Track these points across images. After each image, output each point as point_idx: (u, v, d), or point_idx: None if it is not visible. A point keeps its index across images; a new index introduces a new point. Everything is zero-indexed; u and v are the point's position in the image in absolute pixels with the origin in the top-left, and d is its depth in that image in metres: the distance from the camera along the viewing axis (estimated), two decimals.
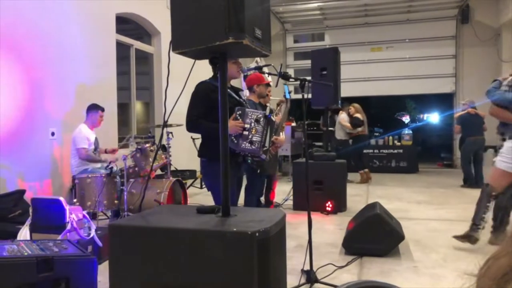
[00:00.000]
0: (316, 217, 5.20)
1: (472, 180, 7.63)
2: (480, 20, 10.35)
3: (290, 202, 5.97)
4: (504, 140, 3.76)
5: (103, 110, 5.17)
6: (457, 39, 10.70)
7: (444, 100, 12.26)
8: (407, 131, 10.73)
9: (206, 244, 1.69)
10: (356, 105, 8.59)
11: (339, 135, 8.68)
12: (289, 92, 3.87)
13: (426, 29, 10.75)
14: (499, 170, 3.70)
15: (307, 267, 3.02)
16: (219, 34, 1.87)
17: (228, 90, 2.79)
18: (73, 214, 3.46)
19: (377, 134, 11.84)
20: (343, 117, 8.54)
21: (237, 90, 3.37)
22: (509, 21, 9.37)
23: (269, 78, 4.51)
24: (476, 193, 6.56)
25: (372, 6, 10.55)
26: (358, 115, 8.39)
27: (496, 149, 4.12)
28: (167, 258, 1.75)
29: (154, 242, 1.79)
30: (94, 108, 5.11)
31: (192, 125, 3.01)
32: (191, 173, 7.39)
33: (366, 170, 8.52)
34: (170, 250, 1.75)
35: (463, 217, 5.22)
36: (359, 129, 8.47)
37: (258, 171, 3.79)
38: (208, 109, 2.90)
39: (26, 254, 2.44)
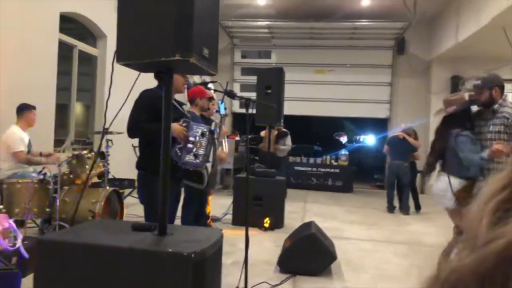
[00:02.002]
0: (253, 233, 5.25)
1: (391, 205, 7.60)
2: (413, 53, 11.10)
3: (229, 217, 5.98)
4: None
5: (35, 108, 4.89)
6: (393, 68, 11.39)
7: (380, 124, 12.93)
8: (344, 151, 11.18)
9: (140, 264, 1.66)
10: None
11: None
12: (225, 108, 3.92)
13: (366, 57, 11.35)
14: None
15: (242, 285, 3.04)
16: (166, 50, 1.86)
17: (173, 101, 2.78)
18: None
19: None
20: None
21: (181, 104, 3.36)
22: (439, 56, 10.15)
23: (215, 95, 4.53)
24: (401, 217, 6.98)
25: (318, 30, 10.98)
26: (262, 132, 7.95)
27: None
28: (98, 277, 1.70)
29: (85, 259, 1.73)
30: (27, 108, 4.81)
31: (134, 130, 2.92)
32: (130, 182, 7.18)
33: None
34: (103, 269, 1.70)
35: (391, 238, 5.54)
36: (261, 144, 8.01)
37: (204, 188, 3.76)
38: (152, 117, 2.85)
39: None
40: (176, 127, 2.80)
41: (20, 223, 4.15)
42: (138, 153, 3.23)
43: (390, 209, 7.61)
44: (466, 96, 3.71)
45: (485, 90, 3.34)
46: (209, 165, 3.09)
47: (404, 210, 7.48)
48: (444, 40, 9.61)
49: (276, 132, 7.84)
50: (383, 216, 7.22)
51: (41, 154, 4.99)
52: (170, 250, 1.68)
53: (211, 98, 4.53)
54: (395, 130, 8.32)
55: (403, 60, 11.20)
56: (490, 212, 0.40)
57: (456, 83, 10.32)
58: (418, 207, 7.69)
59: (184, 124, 2.92)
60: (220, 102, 3.91)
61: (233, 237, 4.90)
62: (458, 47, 8.95)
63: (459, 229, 3.41)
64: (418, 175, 7.66)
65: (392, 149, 7.68)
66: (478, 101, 3.43)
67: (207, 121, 4.31)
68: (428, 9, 9.06)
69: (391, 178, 7.72)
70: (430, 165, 3.60)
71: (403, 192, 7.57)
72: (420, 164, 8.44)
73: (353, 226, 6.28)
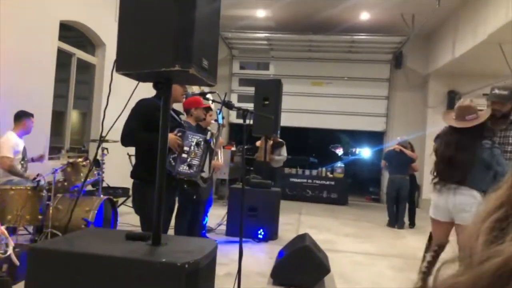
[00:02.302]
0: (247, 244, 5.23)
1: (393, 220, 7.50)
2: (411, 67, 11.21)
3: (223, 227, 5.95)
4: None
5: (33, 116, 4.88)
6: (390, 82, 11.48)
7: (376, 138, 12.98)
8: (339, 164, 11.20)
9: (133, 273, 1.65)
10: None
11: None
12: (223, 118, 3.92)
13: (364, 70, 11.44)
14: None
15: None
16: (166, 60, 1.86)
17: (171, 111, 2.78)
18: None
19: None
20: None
21: (178, 113, 3.36)
22: (436, 71, 10.25)
23: (213, 105, 4.54)
24: (396, 231, 6.95)
25: (317, 43, 11.07)
26: (257, 143, 7.84)
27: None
28: (91, 287, 1.68)
29: (78, 268, 1.71)
30: (25, 115, 4.80)
31: (129, 138, 2.90)
32: (124, 191, 7.14)
33: None
34: (95, 278, 1.69)
35: (385, 252, 5.52)
36: (257, 154, 7.92)
37: (195, 197, 3.76)
38: (147, 127, 2.85)
39: None
40: (170, 136, 2.80)
41: (12, 230, 4.12)
42: (133, 162, 3.22)
43: (392, 223, 7.50)
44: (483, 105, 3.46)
45: (510, 102, 3.21)
46: (204, 174, 3.08)
47: (400, 225, 7.43)
48: (441, 55, 9.71)
49: (271, 142, 7.84)
50: (378, 229, 7.21)
51: (32, 160, 4.97)
52: (164, 260, 1.67)
53: (208, 108, 4.53)
54: (391, 144, 8.25)
55: (401, 74, 11.30)
56: (487, 230, 0.40)
57: (452, 98, 10.40)
58: (413, 223, 7.56)
59: (179, 134, 2.92)
60: (218, 111, 3.91)
61: (226, 247, 4.88)
62: (454, 63, 9.04)
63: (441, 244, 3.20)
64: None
65: (389, 163, 7.60)
66: (498, 112, 3.23)
67: (203, 131, 4.31)
68: (426, 24, 9.16)
69: (392, 193, 7.51)
70: (443, 173, 3.24)
71: (400, 207, 7.50)
72: (419, 176, 8.52)
73: (347, 238, 6.27)
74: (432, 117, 10.48)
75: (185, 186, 3.08)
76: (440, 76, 10.32)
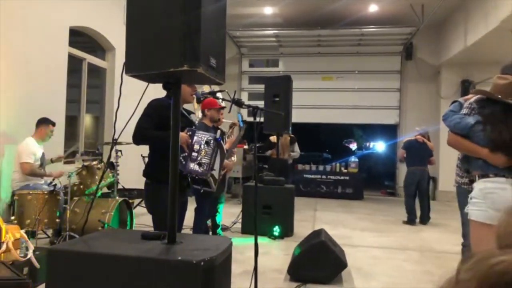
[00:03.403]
0: (263, 241, 5.24)
1: (413, 216, 7.06)
2: (422, 58, 11.09)
3: (238, 225, 5.97)
4: (471, 181, 2.84)
5: (54, 124, 4.96)
6: (402, 74, 11.36)
7: (389, 131, 12.88)
8: (353, 158, 11.12)
9: (149, 272, 1.67)
10: None
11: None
12: (243, 121, 3.92)
13: (374, 63, 11.35)
14: (477, 223, 2.64)
15: None
16: (174, 61, 1.87)
17: (181, 110, 2.79)
18: (10, 233, 3.27)
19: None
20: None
21: (189, 112, 3.38)
22: (448, 61, 10.11)
23: (223, 103, 4.56)
24: (419, 228, 6.82)
25: (325, 37, 11.01)
26: (271, 138, 7.82)
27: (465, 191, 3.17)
28: (108, 286, 1.70)
29: (95, 269, 1.74)
30: (44, 122, 4.90)
31: (140, 136, 2.92)
32: (139, 192, 7.21)
33: None
34: (112, 277, 1.71)
35: (402, 245, 5.48)
36: (269, 152, 7.90)
37: (202, 191, 3.76)
38: (158, 126, 2.87)
39: None
40: (180, 135, 2.82)
41: (32, 234, 4.20)
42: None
43: (411, 220, 7.02)
44: None
45: None
46: (215, 172, 3.09)
47: (425, 221, 7.04)
48: (453, 44, 9.57)
49: (288, 138, 7.84)
50: (394, 223, 7.14)
51: (52, 161, 5.04)
52: (180, 258, 1.69)
53: (220, 109, 4.55)
54: (410, 135, 7.73)
55: (412, 66, 11.18)
56: None
57: (466, 87, 10.25)
58: (427, 218, 7.18)
59: (188, 133, 2.94)
60: (238, 114, 3.91)
61: (242, 245, 4.90)
62: (467, 51, 8.91)
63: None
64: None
65: (410, 154, 7.12)
66: None
67: (216, 131, 4.33)
68: (436, 14, 9.03)
69: (412, 186, 7.06)
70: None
71: (423, 201, 7.10)
72: (434, 168, 8.37)
73: (363, 233, 6.23)
74: (446, 108, 10.31)
75: (201, 184, 3.08)
76: (453, 65, 10.18)
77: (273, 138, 7.74)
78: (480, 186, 2.62)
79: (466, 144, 2.69)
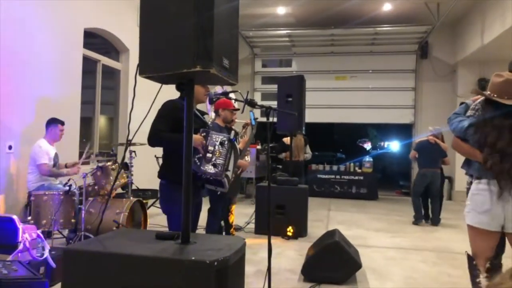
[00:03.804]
0: (276, 242, 5.23)
1: (418, 216, 7.04)
2: (438, 57, 10.93)
3: (252, 226, 5.97)
4: (471, 183, 2.77)
5: (63, 124, 5.02)
6: (417, 73, 11.22)
7: (404, 130, 12.74)
8: (367, 158, 11.03)
9: (163, 272, 1.67)
10: None
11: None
12: (255, 119, 3.91)
13: (388, 62, 11.23)
14: (468, 225, 2.71)
15: None
16: (187, 61, 1.87)
17: (194, 111, 2.79)
18: (27, 233, 3.33)
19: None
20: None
21: (202, 113, 3.39)
22: (464, 59, 9.96)
23: (236, 104, 4.55)
24: (435, 228, 6.71)
25: (339, 37, 10.93)
26: (286, 139, 7.67)
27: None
28: (123, 286, 1.72)
29: (110, 268, 1.75)
30: (53, 122, 4.96)
31: (155, 138, 2.93)
32: (153, 193, 7.27)
33: None
34: (127, 277, 1.72)
35: (418, 246, 5.41)
36: (283, 154, 7.82)
37: (219, 193, 3.77)
38: (173, 127, 2.88)
39: None
40: (195, 137, 2.83)
41: (47, 234, 4.26)
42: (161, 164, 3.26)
43: (417, 219, 7.02)
44: None
45: None
46: (229, 173, 3.10)
47: (436, 222, 6.92)
48: (469, 42, 9.43)
49: (303, 140, 7.79)
50: (409, 224, 7.05)
51: (66, 166, 5.10)
52: (193, 258, 1.69)
53: (234, 110, 4.55)
54: (423, 135, 7.60)
55: (427, 64, 11.04)
56: None
57: (483, 86, 10.09)
58: (438, 220, 7.01)
59: (203, 134, 2.95)
60: (250, 113, 3.89)
61: (255, 245, 4.89)
62: (484, 50, 8.76)
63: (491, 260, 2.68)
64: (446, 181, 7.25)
65: (422, 155, 7.01)
66: None
67: (229, 132, 4.33)
68: (452, 12, 8.90)
69: (421, 188, 6.99)
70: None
71: (434, 202, 6.98)
72: (450, 168, 8.20)
73: (378, 233, 6.17)
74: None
75: (215, 184, 3.09)
76: (469, 64, 10.03)
77: (286, 140, 7.68)
78: (472, 188, 2.68)
79: (465, 147, 2.71)
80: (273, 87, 7.84)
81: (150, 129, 2.96)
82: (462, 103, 2.95)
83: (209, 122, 3.81)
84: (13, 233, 3.25)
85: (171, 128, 2.90)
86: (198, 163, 2.90)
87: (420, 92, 11.18)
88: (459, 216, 7.80)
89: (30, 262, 3.08)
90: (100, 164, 4.75)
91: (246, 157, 5.03)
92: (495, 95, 2.58)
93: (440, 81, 10.83)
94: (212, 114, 4.78)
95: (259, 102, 3.27)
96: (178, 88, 2.60)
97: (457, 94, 10.34)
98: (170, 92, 2.74)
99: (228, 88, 4.02)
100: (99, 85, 7.29)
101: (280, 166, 8.78)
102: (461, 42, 10.07)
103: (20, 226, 3.31)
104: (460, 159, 2.87)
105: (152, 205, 7.25)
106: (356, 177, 10.62)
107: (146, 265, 1.71)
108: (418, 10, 9.27)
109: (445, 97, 10.74)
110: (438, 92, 10.88)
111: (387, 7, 9.50)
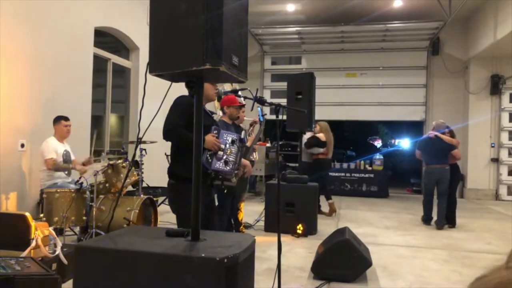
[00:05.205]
0: (286, 239, 5.23)
1: (427, 216, 6.65)
2: (449, 53, 10.82)
3: (262, 223, 5.97)
4: None
5: (66, 119, 5.02)
6: (428, 70, 11.11)
7: (415, 127, 12.64)
8: (378, 156, 10.95)
9: (173, 268, 1.68)
10: (323, 123, 7.45)
11: (304, 157, 7.36)
12: (263, 115, 3.91)
13: (399, 59, 11.14)
14: None
15: None
16: (197, 59, 1.87)
17: (204, 109, 2.78)
18: (39, 230, 3.37)
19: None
20: (305, 137, 7.26)
21: (211, 113, 3.39)
22: (477, 56, 9.84)
23: (244, 101, 4.54)
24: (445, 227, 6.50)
25: (349, 33, 10.87)
26: (320, 135, 7.24)
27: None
28: (134, 282, 1.73)
29: (121, 265, 1.77)
30: (57, 120, 5.01)
31: (172, 133, 2.88)
32: (163, 190, 7.30)
33: (331, 201, 7.23)
34: (137, 274, 1.73)
35: (429, 244, 5.37)
36: (320, 150, 7.29)
37: (225, 191, 3.77)
38: (187, 122, 2.83)
39: None
40: (208, 139, 2.81)
41: (59, 231, 4.31)
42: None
43: (427, 220, 6.64)
44: None
45: None
46: (237, 171, 3.10)
47: (440, 225, 6.37)
48: (482, 38, 9.31)
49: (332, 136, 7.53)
50: (420, 222, 6.99)
51: (83, 164, 5.11)
52: (203, 255, 1.70)
53: (240, 106, 4.54)
54: (428, 134, 7.05)
55: (438, 61, 10.92)
56: None
57: (496, 82, 9.98)
58: (453, 222, 6.48)
59: (214, 132, 2.94)
60: (259, 109, 3.86)
61: (265, 243, 4.90)
62: (496, 46, 8.66)
63: None
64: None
65: (425, 152, 6.64)
66: None
67: (237, 129, 4.33)
68: (464, 8, 8.78)
69: (430, 186, 6.56)
70: None
71: (440, 203, 6.41)
72: (462, 165, 8.07)
73: (389, 231, 6.13)
74: (475, 103, 10.11)
75: (223, 180, 3.09)
76: (482, 60, 9.91)
77: (321, 136, 7.23)
78: None
79: None
80: (283, 85, 7.82)
81: (165, 123, 2.91)
82: None
83: (217, 120, 3.81)
84: (26, 230, 3.29)
85: (186, 123, 2.85)
86: (210, 160, 2.89)
87: (431, 89, 11.07)
88: (472, 214, 7.74)
89: (43, 259, 3.12)
90: (111, 162, 4.79)
91: (254, 154, 5.03)
92: None
93: (452, 77, 10.71)
94: (220, 112, 4.78)
95: (269, 100, 3.27)
96: (187, 86, 2.61)
97: (469, 90, 10.23)
98: (180, 90, 2.75)
99: (237, 86, 4.02)
100: (110, 84, 7.34)
101: (291, 164, 8.73)
102: (473, 38, 9.95)
103: (33, 223, 3.35)
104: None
105: (162, 202, 7.29)
106: (367, 175, 10.56)
107: (157, 262, 1.72)
108: (430, 6, 9.17)
109: (457, 94, 10.63)
110: (449, 89, 10.77)
111: (398, 3, 9.42)
